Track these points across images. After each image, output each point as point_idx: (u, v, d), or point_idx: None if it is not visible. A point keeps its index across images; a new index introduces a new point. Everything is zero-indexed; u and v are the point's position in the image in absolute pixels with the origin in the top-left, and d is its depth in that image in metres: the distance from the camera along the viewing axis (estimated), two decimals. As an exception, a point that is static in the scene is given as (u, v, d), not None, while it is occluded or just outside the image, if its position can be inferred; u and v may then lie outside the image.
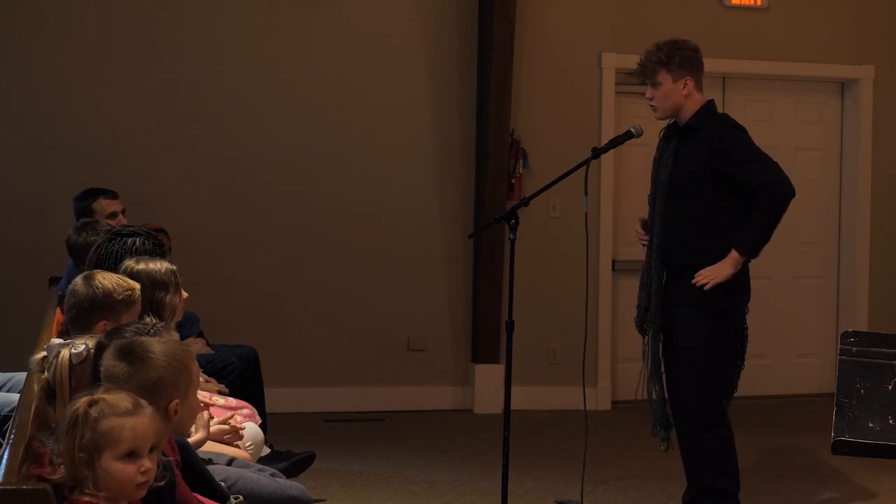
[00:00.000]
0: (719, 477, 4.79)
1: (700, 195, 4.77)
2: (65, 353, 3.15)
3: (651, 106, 4.93)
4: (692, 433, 4.81)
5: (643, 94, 4.98)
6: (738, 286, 4.78)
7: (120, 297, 3.65)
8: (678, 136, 4.90)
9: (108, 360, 2.84)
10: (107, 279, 3.67)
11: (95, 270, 3.77)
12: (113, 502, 2.52)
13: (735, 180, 4.70)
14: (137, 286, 3.75)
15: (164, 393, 2.82)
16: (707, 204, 4.76)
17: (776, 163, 4.77)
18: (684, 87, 4.81)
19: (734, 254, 4.68)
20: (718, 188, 4.73)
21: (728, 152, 4.72)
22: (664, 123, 5.03)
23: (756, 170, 4.69)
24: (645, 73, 4.89)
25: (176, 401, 2.84)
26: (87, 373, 3.08)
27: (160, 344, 2.89)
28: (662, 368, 4.96)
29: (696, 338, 4.76)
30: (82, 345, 3.16)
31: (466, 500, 5.57)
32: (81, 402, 2.54)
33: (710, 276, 4.69)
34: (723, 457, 4.79)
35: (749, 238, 4.69)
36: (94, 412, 2.51)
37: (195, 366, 2.95)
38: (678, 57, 4.81)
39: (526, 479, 5.86)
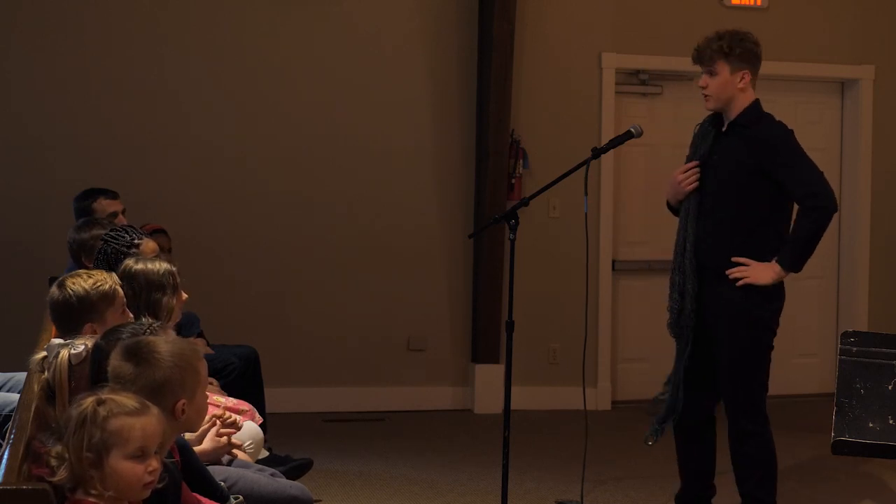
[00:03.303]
0: (759, 486, 4.75)
1: (739, 195, 4.65)
2: (65, 353, 3.15)
3: (704, 95, 4.76)
4: (737, 441, 4.75)
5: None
6: (777, 294, 4.72)
7: (96, 298, 3.63)
8: (717, 131, 4.77)
9: (115, 361, 2.85)
10: (77, 283, 3.64)
11: (67, 275, 3.75)
12: (117, 502, 2.53)
13: (777, 182, 4.58)
14: (111, 279, 3.72)
15: (171, 393, 2.82)
16: (746, 205, 4.65)
17: (821, 173, 4.64)
18: (741, 81, 4.68)
19: (776, 266, 4.58)
20: (759, 189, 4.62)
21: (774, 151, 4.61)
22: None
23: (801, 175, 4.57)
24: (702, 61, 4.74)
25: (183, 400, 2.84)
26: (86, 373, 3.08)
27: (167, 344, 2.89)
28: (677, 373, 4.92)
29: (738, 349, 4.68)
30: (82, 345, 3.16)
31: (466, 500, 5.57)
32: (89, 401, 2.54)
33: (748, 275, 4.58)
34: (764, 466, 4.74)
35: (790, 254, 4.58)
36: (102, 411, 2.52)
37: (203, 365, 2.94)
38: (739, 49, 4.68)
39: (526, 479, 5.85)
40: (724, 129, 4.77)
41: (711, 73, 4.71)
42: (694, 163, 4.76)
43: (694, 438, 4.92)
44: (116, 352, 2.87)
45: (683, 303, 4.77)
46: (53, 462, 2.50)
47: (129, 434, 2.52)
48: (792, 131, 4.72)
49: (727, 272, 4.63)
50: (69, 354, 3.11)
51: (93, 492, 2.49)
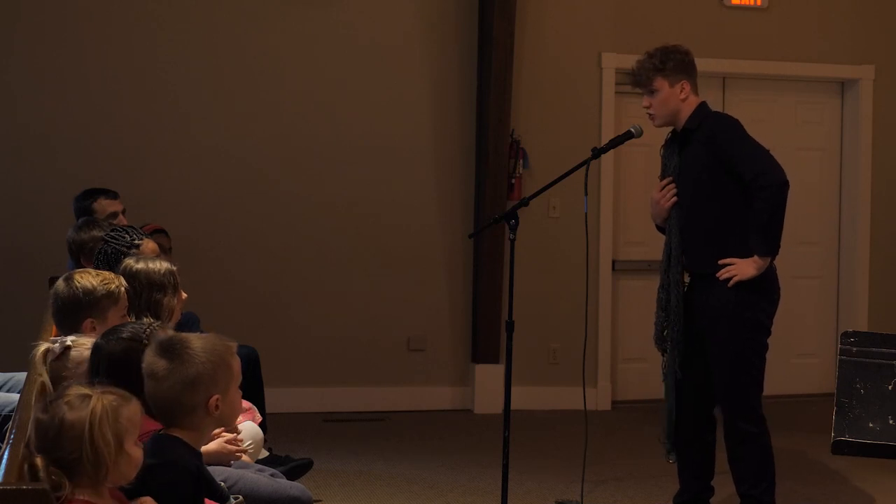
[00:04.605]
0: (757, 485, 4.76)
1: (712, 198, 4.74)
2: (66, 352, 3.15)
3: (649, 114, 4.90)
4: (734, 442, 4.78)
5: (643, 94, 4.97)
6: (770, 295, 4.77)
7: (101, 294, 3.65)
8: (679, 143, 4.88)
9: (149, 357, 2.88)
10: (85, 278, 3.67)
11: (75, 270, 3.77)
12: (101, 499, 2.53)
13: (736, 172, 4.67)
14: (119, 280, 3.74)
15: (204, 388, 2.86)
16: (721, 206, 4.73)
17: (767, 151, 4.72)
18: (682, 92, 4.80)
19: (755, 257, 4.67)
20: (728, 187, 4.70)
21: (722, 141, 4.70)
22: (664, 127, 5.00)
23: (747, 158, 4.65)
24: (640, 82, 4.87)
25: (216, 396, 2.87)
26: (86, 372, 3.08)
27: (200, 340, 2.92)
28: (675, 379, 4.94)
29: (733, 350, 4.72)
30: (83, 344, 3.16)
31: (466, 500, 5.57)
32: (88, 401, 2.55)
33: (735, 273, 4.67)
34: (762, 466, 4.76)
35: (757, 240, 4.66)
36: (112, 404, 2.54)
37: (236, 362, 2.95)
38: (672, 62, 4.80)
39: (526, 479, 5.85)
40: (682, 140, 4.86)
41: (652, 93, 4.85)
42: (668, 179, 4.89)
43: (693, 441, 4.94)
44: (151, 348, 2.91)
45: (668, 319, 4.88)
46: (50, 476, 2.48)
47: (135, 419, 2.56)
48: (737, 121, 4.82)
49: (717, 275, 4.70)
50: (70, 354, 3.11)
51: (86, 490, 2.50)
